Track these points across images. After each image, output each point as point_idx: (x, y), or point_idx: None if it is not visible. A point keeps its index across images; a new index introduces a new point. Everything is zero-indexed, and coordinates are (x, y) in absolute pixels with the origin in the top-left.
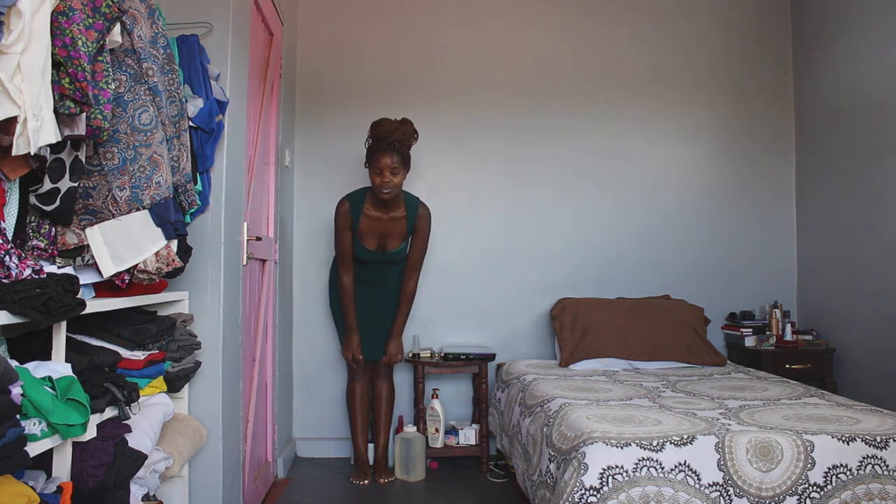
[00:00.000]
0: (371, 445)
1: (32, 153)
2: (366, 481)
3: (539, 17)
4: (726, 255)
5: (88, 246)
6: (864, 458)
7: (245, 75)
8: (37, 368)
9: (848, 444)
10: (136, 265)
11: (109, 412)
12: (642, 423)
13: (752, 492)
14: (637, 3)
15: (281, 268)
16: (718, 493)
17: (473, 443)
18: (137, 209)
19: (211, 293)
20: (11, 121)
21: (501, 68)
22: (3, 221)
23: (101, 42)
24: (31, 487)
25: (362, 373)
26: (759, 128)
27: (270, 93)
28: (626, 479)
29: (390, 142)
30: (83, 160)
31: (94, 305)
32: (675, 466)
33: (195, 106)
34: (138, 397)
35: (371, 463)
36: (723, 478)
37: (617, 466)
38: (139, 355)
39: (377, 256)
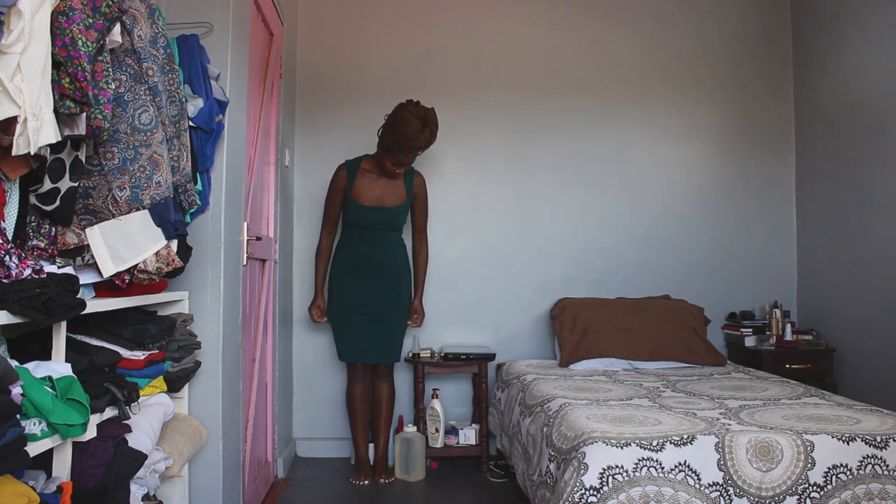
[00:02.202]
0: (371, 445)
1: (32, 153)
2: (366, 481)
3: (539, 16)
4: (726, 255)
5: (88, 246)
6: (864, 457)
7: (245, 75)
8: (37, 368)
9: (848, 443)
10: (136, 265)
11: (109, 412)
12: (642, 423)
13: (752, 492)
14: (638, 3)
15: (281, 268)
16: (718, 493)
17: (473, 443)
18: (137, 209)
19: (211, 293)
20: (11, 121)
21: (501, 68)
22: (3, 221)
23: (101, 42)
24: (31, 487)
25: (362, 374)
26: (759, 127)
27: (270, 93)
28: (626, 478)
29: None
30: (83, 160)
31: (94, 305)
32: (675, 466)
33: (195, 106)
34: (138, 397)
35: (371, 463)
36: (723, 478)
37: (617, 466)
38: (139, 355)
39: (375, 214)
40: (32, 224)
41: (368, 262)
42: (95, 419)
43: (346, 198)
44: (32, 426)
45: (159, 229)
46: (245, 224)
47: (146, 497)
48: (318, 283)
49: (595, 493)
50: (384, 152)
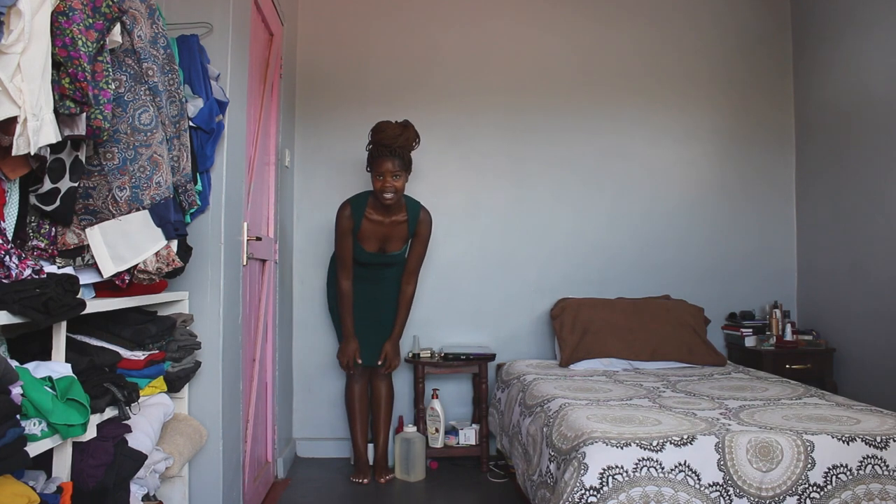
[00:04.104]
0: (371, 445)
1: (32, 153)
2: (365, 480)
3: (539, 17)
4: (726, 255)
5: (88, 246)
6: (864, 458)
7: (245, 75)
8: (37, 368)
9: (848, 444)
10: (137, 265)
11: (109, 412)
12: (642, 423)
13: (753, 492)
14: (638, 4)
15: (281, 268)
16: (718, 494)
17: (473, 443)
18: (137, 209)
19: (211, 293)
20: (11, 121)
21: (502, 68)
22: (3, 221)
23: (101, 42)
24: (31, 487)
25: (361, 373)
26: (759, 128)
27: (270, 93)
28: (626, 479)
29: (392, 148)
30: (83, 160)
31: (95, 305)
32: (675, 466)
33: (195, 106)
34: (138, 397)
35: (371, 463)
36: (723, 478)
37: (617, 466)
38: (139, 355)
39: (377, 258)
40: (32, 224)
41: (368, 278)
42: (95, 419)
43: (353, 237)
44: (32, 426)
45: (159, 229)
46: (245, 224)
47: (146, 497)
48: (350, 329)
49: (595, 493)
50: (373, 178)
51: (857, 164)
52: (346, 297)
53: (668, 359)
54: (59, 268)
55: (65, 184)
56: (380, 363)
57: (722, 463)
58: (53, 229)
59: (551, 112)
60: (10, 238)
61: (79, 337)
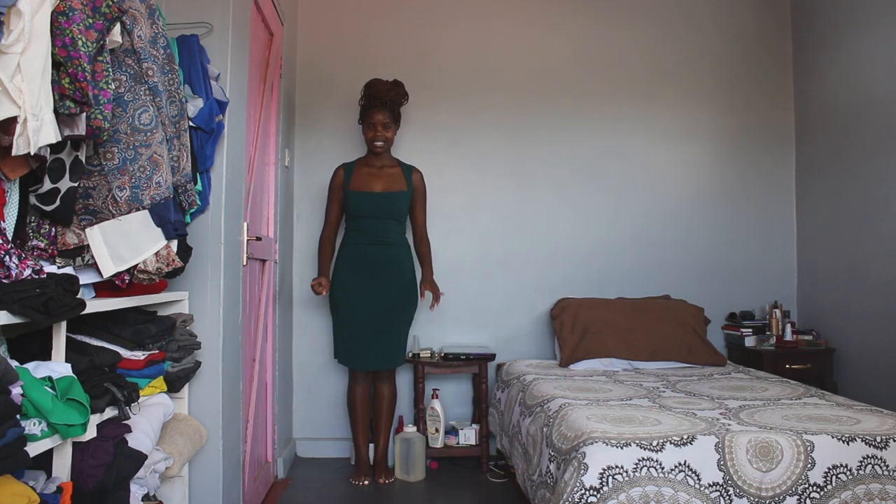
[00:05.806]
0: (371, 446)
1: (32, 153)
2: (366, 481)
3: (539, 17)
4: (726, 255)
5: (88, 246)
6: (864, 458)
7: (245, 75)
8: (37, 368)
9: (848, 444)
10: (136, 265)
11: (109, 412)
12: (642, 423)
13: (752, 492)
14: (638, 4)
15: (281, 268)
16: (718, 494)
17: (473, 443)
18: (137, 209)
19: (211, 293)
20: (11, 121)
21: (502, 68)
22: (3, 221)
23: (101, 42)
24: (31, 487)
25: (364, 374)
26: (759, 128)
27: (270, 93)
28: (626, 479)
29: (383, 100)
30: (83, 160)
31: (94, 305)
32: (675, 466)
33: (195, 106)
34: (138, 397)
35: (371, 463)
36: (723, 478)
37: (617, 466)
38: (139, 355)
39: (376, 199)
40: (32, 224)
41: (371, 262)
42: (95, 419)
43: (346, 192)
44: (32, 426)
45: (159, 229)
46: (245, 224)
47: (146, 497)
48: (324, 266)
49: (595, 493)
50: (364, 129)
51: (857, 164)
52: (325, 242)
53: (668, 359)
54: (59, 268)
55: (65, 184)
56: (425, 300)
57: (722, 463)
58: (53, 229)
59: (551, 112)
60: (10, 238)
61: (79, 337)
